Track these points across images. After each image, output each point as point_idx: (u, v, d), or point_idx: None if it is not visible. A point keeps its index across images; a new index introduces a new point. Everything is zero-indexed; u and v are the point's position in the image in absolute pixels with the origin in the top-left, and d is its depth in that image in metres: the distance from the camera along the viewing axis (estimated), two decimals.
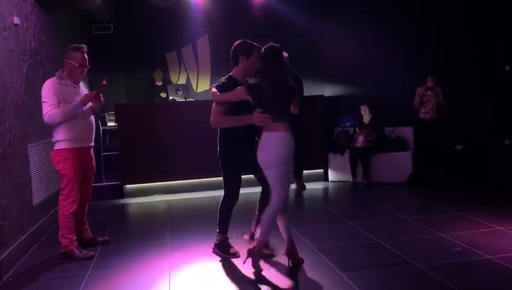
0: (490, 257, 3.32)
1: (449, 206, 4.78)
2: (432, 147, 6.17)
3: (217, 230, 3.60)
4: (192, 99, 6.67)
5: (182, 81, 7.74)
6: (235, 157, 3.45)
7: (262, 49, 3.22)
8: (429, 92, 6.14)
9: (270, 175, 3.16)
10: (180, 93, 6.61)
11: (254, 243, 3.23)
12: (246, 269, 3.24)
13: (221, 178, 3.54)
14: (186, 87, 7.06)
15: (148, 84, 7.40)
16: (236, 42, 3.42)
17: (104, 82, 3.70)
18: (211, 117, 3.36)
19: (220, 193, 3.62)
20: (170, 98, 6.65)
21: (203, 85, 7.66)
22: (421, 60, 6.46)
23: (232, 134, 3.38)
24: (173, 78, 7.77)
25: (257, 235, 3.43)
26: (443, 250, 3.52)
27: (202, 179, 6.09)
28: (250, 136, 3.44)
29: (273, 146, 3.10)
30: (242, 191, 3.56)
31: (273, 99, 3.13)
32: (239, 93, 3.21)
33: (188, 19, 7.35)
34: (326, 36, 7.27)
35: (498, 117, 6.23)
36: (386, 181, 6.15)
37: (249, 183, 3.90)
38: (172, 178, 6.09)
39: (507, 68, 6.14)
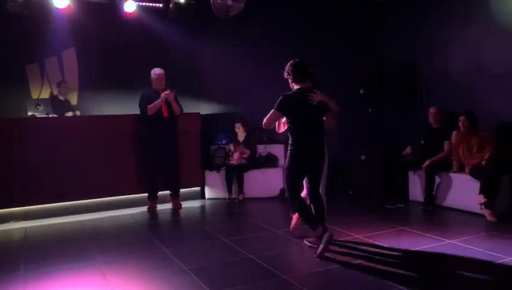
0: (352, 262, 3.62)
1: None
2: None
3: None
4: (56, 116, 6.11)
5: (45, 95, 7.06)
6: None
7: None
8: None
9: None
10: (41, 108, 6.00)
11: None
12: None
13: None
14: (49, 103, 6.43)
15: None
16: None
17: None
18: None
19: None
20: (29, 113, 6.00)
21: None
22: None
23: None
24: (34, 93, 7.04)
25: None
26: (309, 260, 3.73)
27: (67, 203, 5.58)
28: None
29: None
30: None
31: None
32: None
33: (51, 28, 6.73)
34: (202, 56, 7.35)
35: (355, 135, 6.93)
36: (260, 196, 6.39)
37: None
38: (32, 202, 5.50)
39: (361, 91, 6.87)
